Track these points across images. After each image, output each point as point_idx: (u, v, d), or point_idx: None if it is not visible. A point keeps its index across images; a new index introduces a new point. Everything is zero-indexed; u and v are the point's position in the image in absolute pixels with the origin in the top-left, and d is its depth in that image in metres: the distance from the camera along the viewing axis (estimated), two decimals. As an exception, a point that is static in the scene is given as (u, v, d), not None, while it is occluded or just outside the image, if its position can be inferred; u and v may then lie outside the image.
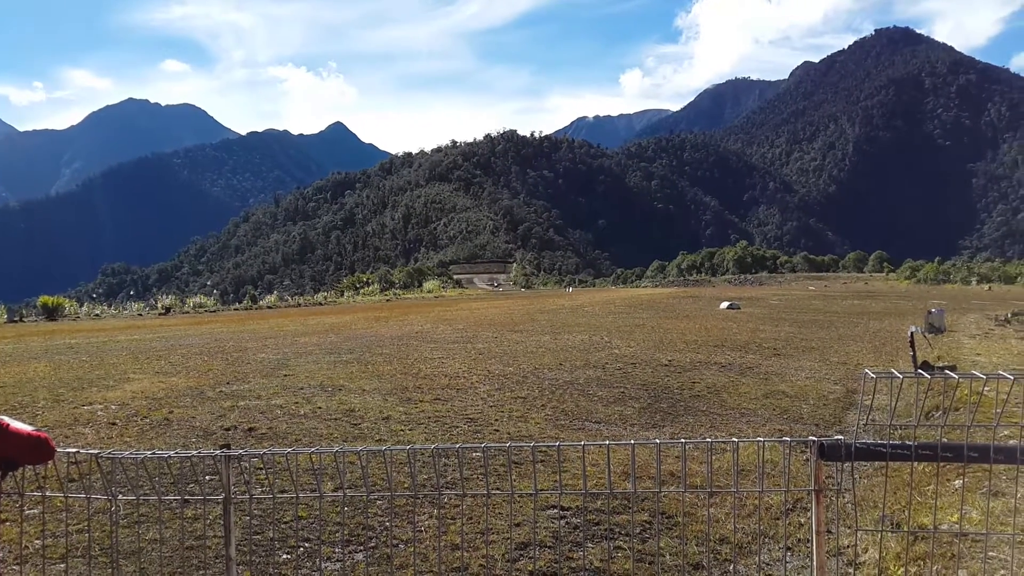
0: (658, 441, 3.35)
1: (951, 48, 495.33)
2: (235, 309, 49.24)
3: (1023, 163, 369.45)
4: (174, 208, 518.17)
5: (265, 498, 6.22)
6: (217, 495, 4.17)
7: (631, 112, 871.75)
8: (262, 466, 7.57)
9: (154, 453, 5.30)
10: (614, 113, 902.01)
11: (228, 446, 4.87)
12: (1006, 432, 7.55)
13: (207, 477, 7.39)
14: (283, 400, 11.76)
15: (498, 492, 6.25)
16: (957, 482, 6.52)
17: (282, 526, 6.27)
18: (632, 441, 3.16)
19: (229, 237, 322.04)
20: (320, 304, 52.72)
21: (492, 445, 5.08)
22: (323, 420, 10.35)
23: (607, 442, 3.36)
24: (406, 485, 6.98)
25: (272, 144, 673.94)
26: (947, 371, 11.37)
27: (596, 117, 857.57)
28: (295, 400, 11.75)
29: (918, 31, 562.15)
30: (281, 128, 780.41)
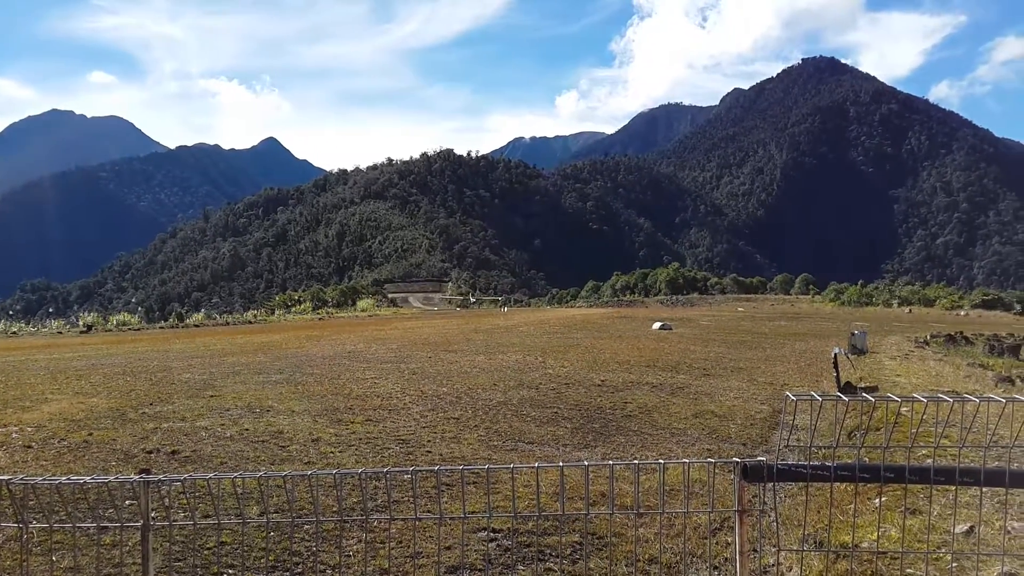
0: (587, 463, 3.36)
1: (874, 78, 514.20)
2: (160, 327, 48.04)
3: (941, 190, 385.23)
4: (98, 223, 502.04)
5: (186, 524, 6.04)
6: (136, 521, 4.03)
7: (567, 134, 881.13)
8: (183, 490, 7.36)
9: (69, 479, 5.10)
10: (551, 134, 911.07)
11: (147, 470, 4.70)
12: (923, 452, 7.80)
13: (127, 502, 7.15)
14: (208, 422, 11.47)
15: (428, 515, 6.19)
16: (876, 500, 6.71)
17: (204, 552, 6.09)
18: (561, 463, 3.17)
19: (155, 253, 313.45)
20: (250, 322, 51.67)
21: (422, 468, 5.04)
22: (250, 442, 10.12)
23: (536, 464, 3.36)
24: (334, 509, 6.87)
25: (203, 159, 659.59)
26: (864, 393, 11.70)
27: (533, 138, 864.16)
28: (221, 422, 11.47)
29: (844, 61, 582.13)
30: (212, 142, 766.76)
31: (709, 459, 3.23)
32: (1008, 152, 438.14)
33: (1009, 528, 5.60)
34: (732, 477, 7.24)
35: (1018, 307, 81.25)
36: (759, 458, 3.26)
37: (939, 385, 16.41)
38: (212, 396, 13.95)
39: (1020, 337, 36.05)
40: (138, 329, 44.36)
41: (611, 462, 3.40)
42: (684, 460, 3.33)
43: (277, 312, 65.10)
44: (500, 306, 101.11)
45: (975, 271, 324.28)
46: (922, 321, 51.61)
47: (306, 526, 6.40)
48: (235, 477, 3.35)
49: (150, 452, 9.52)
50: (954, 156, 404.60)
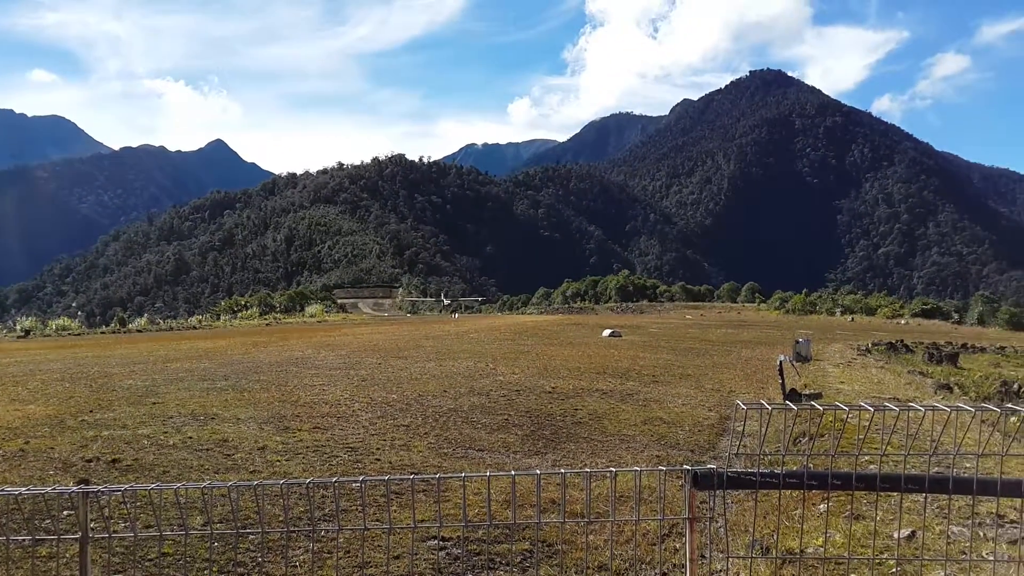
0: (539, 472, 3.34)
1: (819, 91, 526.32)
2: (102, 332, 46.85)
3: (883, 202, 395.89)
4: (38, 225, 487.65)
5: (127, 535, 5.87)
6: (74, 532, 3.90)
7: (519, 141, 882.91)
8: (124, 500, 7.16)
9: (3, 490, 4.91)
10: (503, 141, 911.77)
11: (86, 481, 4.57)
12: (866, 458, 7.96)
13: (64, 513, 6.92)
14: (151, 430, 11.20)
15: (377, 524, 6.11)
16: (822, 506, 6.82)
17: (146, 564, 5.92)
18: (513, 472, 3.14)
19: (97, 256, 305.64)
20: (194, 328, 50.71)
21: (371, 478, 4.97)
22: (194, 451, 9.90)
23: (488, 473, 3.33)
24: (280, 519, 6.74)
25: (147, 160, 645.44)
26: (813, 402, 11.90)
27: (485, 144, 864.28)
28: (164, 430, 11.21)
29: (790, 74, 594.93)
30: (157, 144, 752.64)
31: (660, 467, 3.23)
32: (947, 165, 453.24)
33: (950, 533, 5.73)
34: (682, 483, 7.30)
35: (956, 316, 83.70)
36: (710, 466, 3.27)
37: (881, 392, 16.79)
38: (155, 403, 13.63)
39: (958, 345, 37.16)
40: (78, 334, 43.21)
41: (563, 470, 3.39)
42: (635, 468, 3.33)
43: (223, 317, 64.00)
44: (451, 312, 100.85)
45: (915, 281, 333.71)
46: (864, 329, 52.86)
47: (251, 536, 6.27)
48: (178, 488, 3.25)
49: (89, 461, 9.25)
50: (896, 168, 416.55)
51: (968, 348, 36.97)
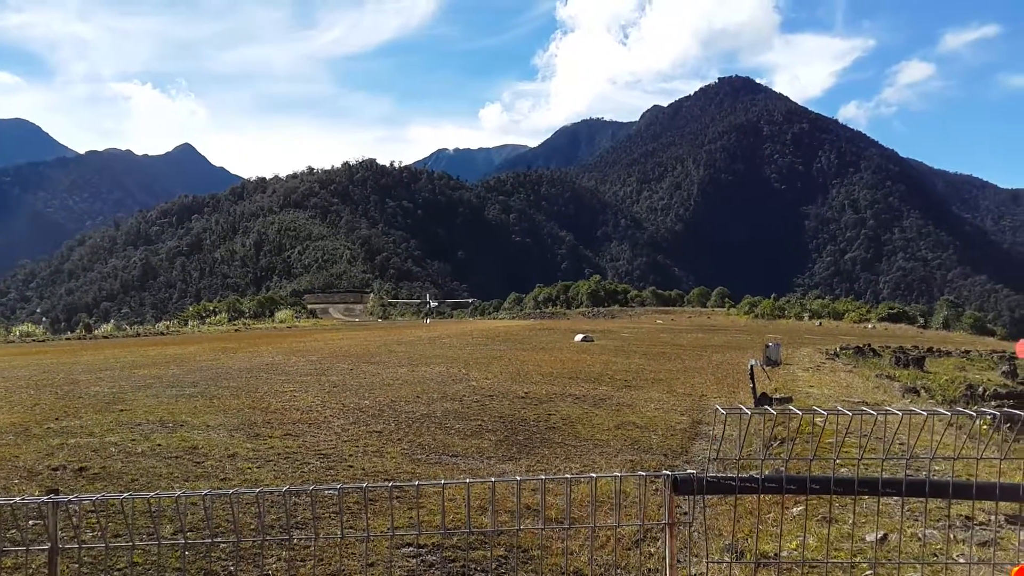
0: (519, 478, 3.33)
1: (787, 98, 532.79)
2: (67, 339, 46.15)
3: (850, 207, 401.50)
4: (1, 229, 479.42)
5: (97, 545, 5.75)
6: (43, 543, 3.81)
7: (491, 146, 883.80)
8: (93, 509, 7.02)
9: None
10: (474, 146, 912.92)
11: (56, 491, 4.47)
12: (838, 462, 8.03)
13: (31, 522, 6.78)
14: (118, 437, 11.02)
15: (351, 531, 6.06)
16: (796, 509, 6.87)
17: (115, 574, 5.82)
18: (493, 479, 3.13)
19: (62, 261, 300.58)
20: (162, 334, 50.04)
21: (348, 486, 4.92)
22: (163, 458, 9.76)
23: (467, 480, 3.31)
24: (252, 527, 6.66)
25: (114, 164, 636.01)
26: (788, 406, 11.99)
27: (456, 149, 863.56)
28: (132, 437, 11.04)
29: (758, 81, 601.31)
30: (124, 148, 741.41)
31: (640, 472, 3.23)
32: (912, 172, 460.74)
33: (922, 536, 5.80)
34: (656, 487, 7.31)
35: (921, 321, 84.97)
36: (689, 471, 3.28)
37: (850, 395, 16.98)
38: (122, 410, 13.42)
39: (924, 349, 37.71)
40: (43, 340, 42.49)
41: (543, 476, 3.38)
42: (616, 473, 3.32)
43: (191, 323, 63.21)
44: (423, 317, 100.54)
45: (881, 285, 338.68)
46: (832, 334, 53.46)
47: (223, 545, 6.18)
48: (151, 496, 3.19)
49: (56, 469, 9.08)
50: (862, 175, 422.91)
51: (934, 352, 37.49)
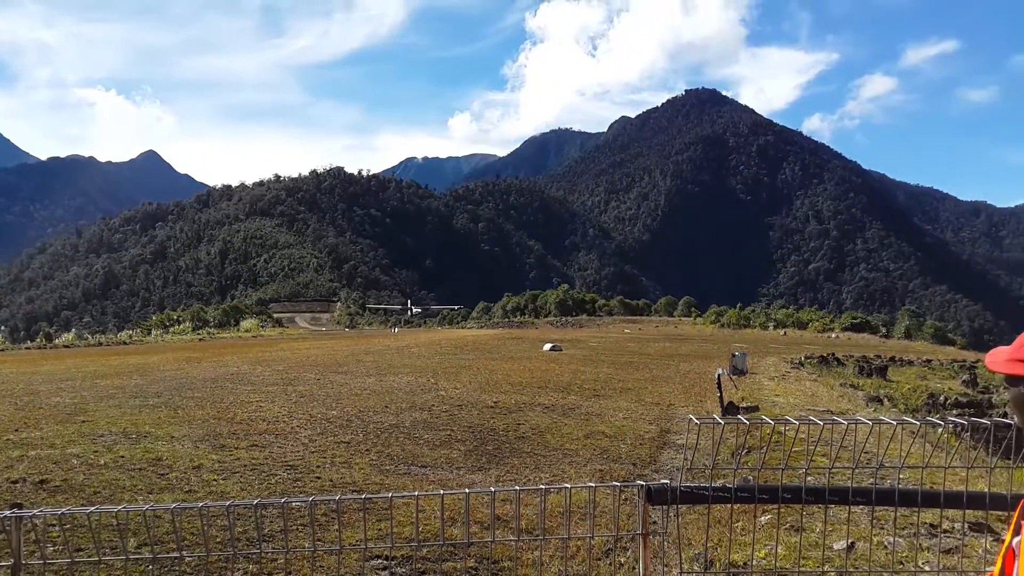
0: (492, 489, 3.31)
1: (752, 111, 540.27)
2: (27, 348, 45.27)
3: (813, 218, 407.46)
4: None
5: (61, 560, 5.63)
6: (4, 558, 3.72)
7: (460, 155, 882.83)
8: (56, 522, 6.87)
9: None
10: (443, 155, 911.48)
11: (19, 505, 4.38)
12: (803, 471, 8.11)
13: (-12, 538, 6.61)
14: (80, 449, 10.81)
15: (321, 543, 5.99)
16: (764, 518, 6.93)
17: (76, 591, 5.69)
18: (467, 490, 3.11)
19: (22, 269, 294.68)
20: (125, 343, 49.24)
21: (320, 498, 4.87)
22: (126, 470, 9.58)
23: (440, 492, 3.29)
24: (218, 539, 6.55)
25: (76, 170, 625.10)
26: (763, 416, 12.09)
27: (425, 158, 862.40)
28: (94, 448, 10.83)
29: (725, 93, 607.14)
30: (87, 154, 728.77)
31: (615, 482, 3.24)
32: (874, 183, 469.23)
33: (888, 544, 5.88)
34: (625, 496, 7.33)
35: (884, 330, 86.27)
36: (663, 481, 3.29)
37: (815, 404, 17.19)
38: (84, 421, 13.17)
39: (886, 359, 38.31)
40: (2, 350, 41.61)
41: (517, 488, 3.37)
42: (591, 484, 3.32)
43: (154, 332, 62.32)
44: (390, 327, 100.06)
45: (844, 295, 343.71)
46: (796, 343, 54.10)
47: (189, 559, 6.08)
48: (118, 510, 3.13)
49: (15, 482, 8.88)
50: (825, 186, 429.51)
51: (896, 361, 38.10)
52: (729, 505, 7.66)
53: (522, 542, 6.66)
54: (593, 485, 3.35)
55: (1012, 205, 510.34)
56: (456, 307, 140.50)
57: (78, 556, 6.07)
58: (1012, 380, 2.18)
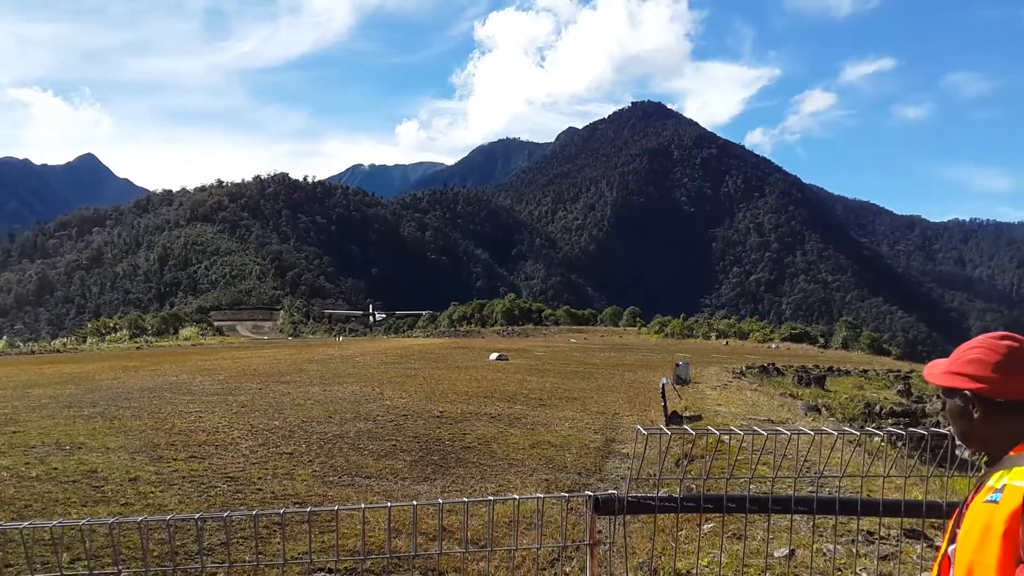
0: (441, 501, 3.29)
1: (696, 124, 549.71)
2: (-46, 356, 43.55)
3: (755, 231, 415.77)
4: None
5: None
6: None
7: (407, 163, 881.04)
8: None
9: None
10: (390, 163, 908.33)
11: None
12: (743, 480, 8.24)
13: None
14: (11, 460, 10.45)
15: (264, 556, 5.88)
16: (707, 526, 7.01)
17: (4, 609, 5.49)
18: (415, 502, 3.08)
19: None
20: (58, 351, 47.83)
21: (265, 512, 4.78)
22: (59, 483, 9.29)
23: (388, 504, 3.25)
24: (155, 553, 6.39)
25: (10, 173, 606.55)
26: (709, 427, 12.22)
27: (372, 165, 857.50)
28: (26, 460, 10.48)
29: (670, 106, 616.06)
30: (22, 156, 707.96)
31: (563, 493, 3.24)
32: (813, 197, 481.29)
33: (827, 551, 6.00)
34: (571, 506, 7.35)
35: (822, 341, 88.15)
36: (611, 491, 3.31)
37: (756, 413, 17.48)
38: (15, 432, 12.74)
39: (825, 369, 39.19)
40: (-75, 358, 40.01)
41: (466, 500, 3.35)
42: (539, 495, 3.32)
43: (90, 340, 60.66)
44: (335, 335, 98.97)
45: (784, 306, 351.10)
46: (738, 353, 55.04)
47: (125, 575, 5.90)
48: (53, 525, 3.02)
49: (-61, 497, 8.53)
50: (766, 199, 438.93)
51: (834, 371, 38.99)
52: (674, 514, 7.78)
53: (469, 553, 6.63)
54: (542, 496, 3.35)
55: (945, 220, 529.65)
56: (423, 312, 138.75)
57: (8, 573, 5.86)
58: (948, 392, 2.25)
